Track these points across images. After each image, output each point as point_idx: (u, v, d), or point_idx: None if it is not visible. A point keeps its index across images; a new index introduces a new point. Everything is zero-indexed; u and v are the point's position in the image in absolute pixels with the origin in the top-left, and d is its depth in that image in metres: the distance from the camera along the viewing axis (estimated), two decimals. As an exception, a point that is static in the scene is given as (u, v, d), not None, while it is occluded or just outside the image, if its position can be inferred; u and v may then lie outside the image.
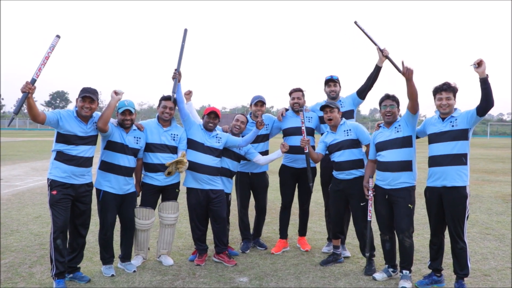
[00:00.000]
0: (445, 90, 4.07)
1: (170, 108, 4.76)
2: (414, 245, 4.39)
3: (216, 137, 4.90)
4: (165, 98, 4.80)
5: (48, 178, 4.11)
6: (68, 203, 4.05)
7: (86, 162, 4.14)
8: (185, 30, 4.83)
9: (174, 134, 4.81)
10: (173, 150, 4.79)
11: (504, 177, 12.46)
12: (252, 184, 5.43)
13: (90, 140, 4.16)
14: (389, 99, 4.42)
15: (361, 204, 4.68)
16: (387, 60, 4.87)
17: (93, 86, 4.19)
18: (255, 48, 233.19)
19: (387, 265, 4.47)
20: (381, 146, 4.41)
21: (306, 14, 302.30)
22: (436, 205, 4.15)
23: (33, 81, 3.68)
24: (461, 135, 4.01)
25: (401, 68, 4.45)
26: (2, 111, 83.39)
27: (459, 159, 4.01)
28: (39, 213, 7.09)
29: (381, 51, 4.89)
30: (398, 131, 4.34)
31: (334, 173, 4.84)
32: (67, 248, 4.20)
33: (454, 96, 4.11)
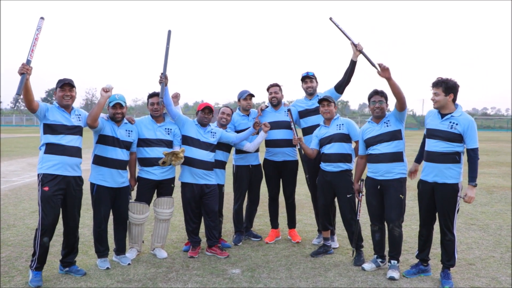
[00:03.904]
0: (434, 86, 4.06)
1: (157, 104, 4.83)
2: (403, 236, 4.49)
3: (211, 132, 4.98)
4: (151, 96, 4.89)
5: (39, 173, 4.07)
6: (58, 201, 4.06)
7: (76, 152, 4.17)
8: (169, 32, 4.80)
9: (169, 129, 4.90)
10: (169, 144, 4.87)
11: (488, 169, 12.61)
12: (251, 176, 5.50)
13: (76, 131, 4.19)
14: (377, 95, 4.48)
15: (348, 196, 4.80)
16: (362, 55, 4.97)
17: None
18: (247, 44, 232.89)
19: (375, 256, 4.57)
20: (372, 141, 4.49)
21: (294, 11, 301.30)
22: (427, 198, 4.21)
23: (28, 62, 3.73)
24: (458, 139, 4.01)
25: (375, 63, 4.59)
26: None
27: (453, 158, 4.03)
28: (36, 207, 7.09)
29: (355, 45, 4.98)
30: (388, 126, 4.42)
31: (322, 165, 4.93)
32: (62, 245, 4.31)
33: (446, 92, 4.01)
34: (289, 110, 5.20)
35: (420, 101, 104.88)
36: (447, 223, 4.12)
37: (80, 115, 4.28)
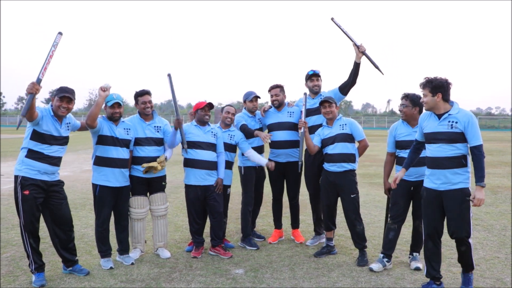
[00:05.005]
0: (421, 87, 3.84)
1: (149, 102, 4.86)
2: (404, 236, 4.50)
3: (211, 132, 4.98)
4: (140, 94, 4.87)
5: (17, 175, 4.03)
6: (38, 204, 4.05)
7: (57, 161, 4.16)
8: (169, 76, 4.79)
9: (158, 126, 4.91)
10: (159, 142, 4.90)
11: (493, 169, 12.54)
12: (257, 177, 5.47)
13: (63, 142, 4.18)
14: (403, 99, 4.48)
15: (351, 196, 4.79)
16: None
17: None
18: (250, 44, 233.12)
19: (382, 255, 4.54)
20: (405, 145, 4.47)
21: (297, 10, 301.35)
22: (434, 207, 3.92)
23: (39, 81, 3.67)
24: (461, 138, 3.73)
25: (378, 65, 4.68)
26: (3, 108, 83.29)
27: (459, 162, 3.75)
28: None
29: (357, 47, 4.94)
30: None
31: (325, 165, 4.92)
32: (55, 246, 4.32)
33: (433, 92, 3.75)
34: (304, 93, 5.13)
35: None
36: (462, 233, 3.78)
37: (69, 123, 4.26)
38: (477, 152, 3.68)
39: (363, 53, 4.94)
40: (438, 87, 3.74)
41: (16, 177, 4.05)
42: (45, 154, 4.04)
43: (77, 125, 4.42)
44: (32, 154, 4.03)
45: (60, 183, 4.26)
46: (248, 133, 5.23)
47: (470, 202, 3.74)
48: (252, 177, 5.41)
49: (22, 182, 4.00)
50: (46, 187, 4.09)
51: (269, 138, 5.13)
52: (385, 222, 4.73)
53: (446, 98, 3.78)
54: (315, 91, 5.34)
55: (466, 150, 3.77)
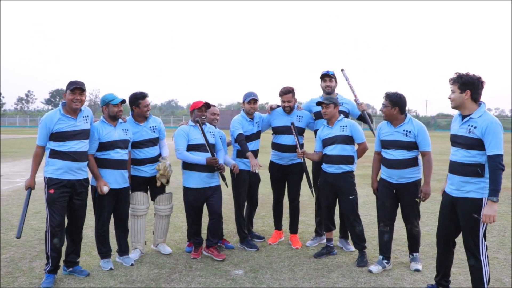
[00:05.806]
0: (451, 82, 3.56)
1: (149, 104, 4.92)
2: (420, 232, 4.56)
3: (210, 133, 4.93)
4: (142, 97, 4.85)
5: (44, 176, 4.12)
6: (65, 202, 4.11)
7: (81, 156, 4.16)
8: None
9: (153, 126, 4.94)
10: (156, 141, 4.96)
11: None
12: (250, 180, 5.41)
13: (81, 135, 4.17)
14: (384, 98, 4.42)
15: (350, 197, 4.79)
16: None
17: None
18: (250, 44, 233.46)
19: (381, 257, 4.54)
20: (387, 144, 4.44)
21: (297, 11, 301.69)
22: (446, 212, 3.78)
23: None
24: (478, 145, 3.44)
25: (372, 126, 4.97)
26: (3, 109, 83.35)
27: (474, 170, 3.48)
28: (39, 208, 7.18)
29: (357, 104, 5.14)
30: (407, 136, 4.32)
31: (323, 166, 4.90)
32: (67, 244, 4.32)
33: (461, 89, 3.47)
34: (292, 123, 4.95)
35: (424, 102, 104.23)
36: (469, 244, 3.57)
37: (87, 116, 4.27)
38: (492, 163, 3.36)
39: (362, 112, 5.17)
40: (468, 84, 3.45)
41: (44, 178, 4.13)
42: (66, 151, 4.08)
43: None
44: (53, 153, 4.09)
45: (85, 183, 4.30)
46: (242, 149, 5.13)
47: (480, 218, 3.47)
48: (244, 180, 5.31)
49: (48, 182, 4.09)
50: (71, 186, 4.14)
51: (257, 168, 5.02)
52: (378, 224, 4.67)
53: (475, 98, 3.48)
54: (327, 92, 5.25)
55: (485, 159, 3.45)
